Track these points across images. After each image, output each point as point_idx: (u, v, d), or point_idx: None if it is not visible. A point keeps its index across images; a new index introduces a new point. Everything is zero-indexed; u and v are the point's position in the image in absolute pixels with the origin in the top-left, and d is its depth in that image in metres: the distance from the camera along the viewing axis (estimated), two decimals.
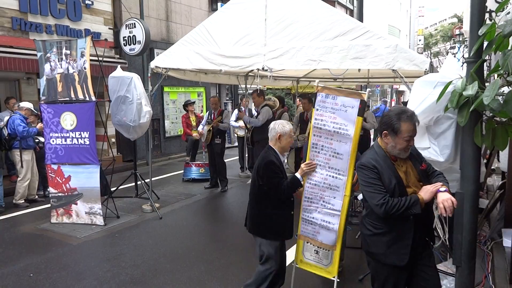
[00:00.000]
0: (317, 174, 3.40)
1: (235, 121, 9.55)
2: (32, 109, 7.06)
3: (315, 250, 3.55)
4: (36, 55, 6.14)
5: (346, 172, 3.26)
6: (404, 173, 2.62)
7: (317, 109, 3.35)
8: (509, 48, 2.66)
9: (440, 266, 3.67)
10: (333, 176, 3.32)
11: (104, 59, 8.78)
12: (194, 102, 9.61)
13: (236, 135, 10.66)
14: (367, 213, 2.75)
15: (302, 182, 3.39)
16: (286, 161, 9.71)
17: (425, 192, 2.52)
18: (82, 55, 5.80)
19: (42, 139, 6.99)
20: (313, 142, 3.41)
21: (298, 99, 11.58)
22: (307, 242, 3.59)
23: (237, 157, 10.91)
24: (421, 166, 2.71)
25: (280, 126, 3.30)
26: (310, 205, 3.48)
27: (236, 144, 13.42)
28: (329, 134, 3.31)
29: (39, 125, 6.91)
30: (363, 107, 3.18)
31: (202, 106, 14.09)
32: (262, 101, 7.37)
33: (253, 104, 7.77)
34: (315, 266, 3.58)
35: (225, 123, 7.84)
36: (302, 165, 3.43)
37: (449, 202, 2.43)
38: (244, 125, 8.65)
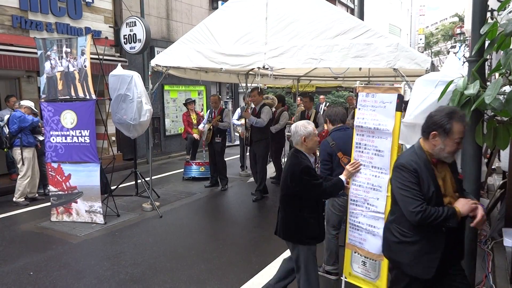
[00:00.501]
0: (361, 174, 3.35)
1: (237, 119, 9.53)
2: (33, 107, 7.06)
3: (362, 261, 3.44)
4: (36, 53, 6.13)
5: (387, 170, 3.18)
6: (443, 180, 2.46)
7: (359, 108, 3.35)
8: (511, 47, 2.65)
9: None
10: (375, 176, 3.26)
11: (105, 57, 8.77)
12: (194, 101, 9.58)
13: (237, 134, 10.66)
14: (394, 218, 2.58)
15: (346, 184, 3.34)
16: (286, 160, 9.70)
17: (462, 205, 2.37)
18: (83, 53, 5.79)
19: (40, 138, 6.99)
20: (357, 141, 3.39)
21: (298, 98, 11.58)
22: (355, 252, 3.48)
23: (237, 156, 10.91)
24: (458, 176, 2.57)
25: (303, 129, 3.21)
26: (356, 209, 3.41)
27: (237, 142, 13.44)
28: (370, 131, 3.29)
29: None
30: (401, 102, 3.14)
31: (203, 105, 14.08)
32: (261, 100, 7.33)
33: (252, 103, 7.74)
34: (363, 280, 3.43)
35: (225, 122, 7.81)
36: (348, 166, 3.38)
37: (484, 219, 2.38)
38: (244, 123, 8.61)
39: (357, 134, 3.37)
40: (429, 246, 2.41)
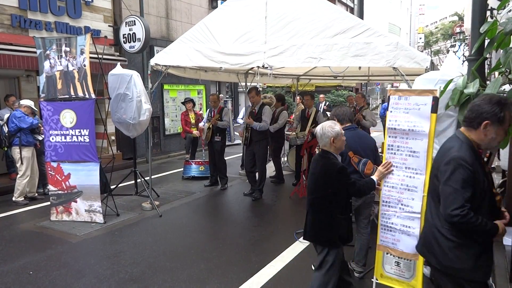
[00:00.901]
0: (393, 176, 3.35)
1: (242, 118, 9.47)
2: (33, 106, 7.05)
3: (395, 261, 3.40)
4: (35, 52, 6.12)
5: (423, 170, 3.19)
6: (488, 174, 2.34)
7: (391, 111, 3.36)
8: (510, 46, 2.64)
9: None
10: (410, 176, 3.26)
11: (104, 56, 8.75)
12: (191, 100, 9.55)
13: (237, 133, 10.64)
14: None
15: (377, 186, 3.34)
16: (286, 159, 9.71)
17: (502, 225, 2.28)
18: (82, 53, 5.78)
19: (39, 137, 6.98)
20: (389, 143, 3.39)
21: (298, 97, 11.57)
22: (387, 253, 3.46)
23: (237, 155, 10.92)
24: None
25: (330, 130, 3.18)
26: (388, 210, 3.40)
27: (238, 141, 13.42)
28: (404, 133, 3.30)
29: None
30: (436, 104, 3.14)
31: (201, 104, 14.07)
32: (260, 100, 7.30)
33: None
34: (397, 280, 3.42)
35: (224, 121, 7.79)
36: (380, 167, 3.37)
37: None
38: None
39: (390, 136, 3.39)
40: (485, 245, 2.29)
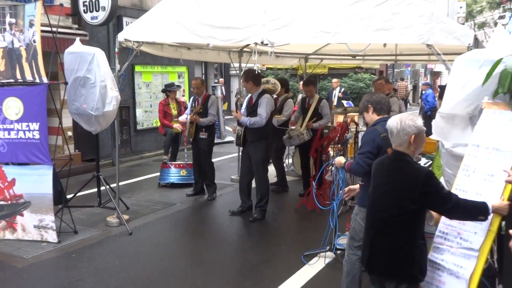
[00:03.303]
0: None
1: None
2: None
3: None
4: None
5: (498, 199, 3.15)
6: None
7: (480, 126, 3.39)
8: None
9: None
10: None
11: (59, 29, 8.71)
12: (179, 87, 9.49)
13: (229, 128, 10.64)
14: None
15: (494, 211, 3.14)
16: (291, 161, 9.71)
17: None
18: (31, 25, 5.76)
19: None
20: (466, 163, 3.41)
21: (300, 83, 11.54)
22: None
23: (229, 156, 10.93)
24: None
25: (411, 124, 3.08)
26: (443, 243, 3.38)
27: (229, 139, 13.44)
28: (486, 152, 3.32)
29: None
30: None
31: (184, 91, 14.07)
32: (258, 88, 6.83)
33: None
34: None
35: (209, 115, 7.58)
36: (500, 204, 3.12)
37: None
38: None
39: (469, 155, 3.41)
40: None
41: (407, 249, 3.10)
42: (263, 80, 8.82)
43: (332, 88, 14.67)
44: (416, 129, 3.08)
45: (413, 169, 3.08)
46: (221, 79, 18.34)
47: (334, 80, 14.72)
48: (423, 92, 15.17)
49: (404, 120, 3.10)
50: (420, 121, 3.12)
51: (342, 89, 15.10)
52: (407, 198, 3.04)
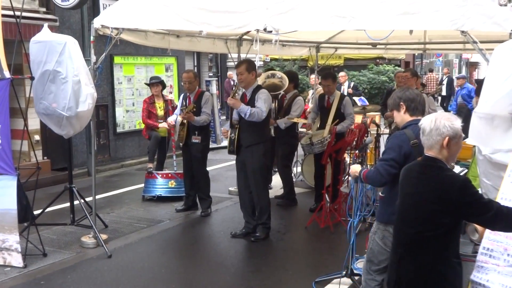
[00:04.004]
0: None
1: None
2: None
3: None
4: None
5: None
6: None
7: None
8: None
9: None
10: None
11: (24, 14, 8.75)
12: (160, 82, 9.51)
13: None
14: None
15: None
16: (300, 169, 9.71)
17: None
18: None
19: None
20: (511, 169, 3.41)
21: (311, 77, 11.53)
22: None
23: (226, 164, 10.92)
24: None
25: (447, 123, 3.06)
26: (488, 262, 3.40)
27: (226, 143, 13.41)
28: None
29: None
30: None
31: (172, 87, 14.08)
32: (255, 81, 6.83)
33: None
34: None
35: (203, 114, 7.62)
36: None
37: None
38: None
39: None
40: None
41: (439, 269, 3.09)
42: (268, 73, 8.82)
43: (339, 83, 14.59)
44: (452, 132, 3.06)
45: (446, 177, 3.07)
46: (230, 73, 18.07)
47: (341, 74, 14.61)
48: (458, 87, 14.92)
49: (439, 119, 3.09)
50: (458, 123, 3.10)
51: (352, 84, 15.07)
52: (439, 211, 3.04)
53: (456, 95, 15.04)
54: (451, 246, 3.11)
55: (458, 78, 15.91)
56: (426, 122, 3.12)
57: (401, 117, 4.05)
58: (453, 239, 3.12)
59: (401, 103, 4.01)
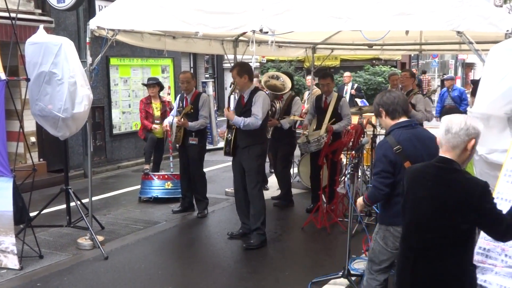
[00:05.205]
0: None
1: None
2: None
3: None
4: None
5: None
6: None
7: None
8: None
9: None
10: None
11: (19, 15, 8.73)
12: (158, 83, 9.51)
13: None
14: None
15: None
16: (297, 170, 9.71)
17: None
18: None
19: None
20: (508, 168, 3.41)
21: (308, 78, 11.54)
22: None
23: (223, 165, 10.90)
24: None
25: (475, 125, 3.02)
26: (485, 262, 3.39)
27: (223, 145, 13.40)
28: None
29: None
30: None
31: (169, 87, 14.07)
32: (251, 85, 6.73)
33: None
34: None
35: (201, 118, 7.61)
36: None
37: None
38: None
39: (511, 158, 3.41)
40: None
41: (457, 277, 3.04)
42: (271, 74, 8.82)
43: (343, 84, 14.58)
44: (478, 135, 3.02)
45: (467, 181, 2.99)
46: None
47: (346, 74, 14.63)
48: (449, 89, 14.29)
49: (469, 120, 3.03)
50: (481, 127, 3.07)
51: (355, 85, 15.06)
52: (460, 216, 2.96)
53: (441, 97, 14.24)
54: (469, 253, 3.06)
55: (446, 80, 15.48)
56: (456, 121, 3.01)
57: (384, 122, 4.07)
58: (471, 246, 3.08)
59: (380, 109, 4.03)
